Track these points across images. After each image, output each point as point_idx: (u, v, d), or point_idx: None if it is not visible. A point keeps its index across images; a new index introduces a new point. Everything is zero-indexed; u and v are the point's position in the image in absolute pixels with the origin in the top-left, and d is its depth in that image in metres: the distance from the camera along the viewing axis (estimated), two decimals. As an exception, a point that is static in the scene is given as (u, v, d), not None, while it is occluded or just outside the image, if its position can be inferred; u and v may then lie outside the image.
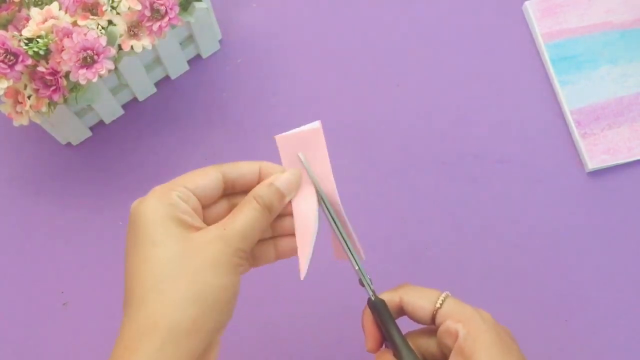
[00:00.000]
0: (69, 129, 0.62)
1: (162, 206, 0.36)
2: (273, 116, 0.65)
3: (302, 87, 0.67)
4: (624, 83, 0.65)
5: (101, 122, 0.65)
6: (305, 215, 0.40)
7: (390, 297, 0.41)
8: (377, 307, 0.41)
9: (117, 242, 0.61)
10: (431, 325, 0.41)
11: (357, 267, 0.41)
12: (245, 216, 0.37)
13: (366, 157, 0.63)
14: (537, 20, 0.67)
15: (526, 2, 0.68)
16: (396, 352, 0.40)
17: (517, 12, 0.69)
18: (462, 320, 0.39)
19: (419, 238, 0.60)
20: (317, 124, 0.40)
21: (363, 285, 0.41)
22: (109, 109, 0.64)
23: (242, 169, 0.39)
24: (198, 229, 0.37)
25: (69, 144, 0.65)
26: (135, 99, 0.66)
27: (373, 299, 0.41)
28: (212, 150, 0.64)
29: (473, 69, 0.67)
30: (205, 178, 0.38)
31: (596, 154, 0.62)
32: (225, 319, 0.36)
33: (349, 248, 0.41)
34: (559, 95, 0.65)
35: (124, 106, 0.66)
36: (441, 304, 0.40)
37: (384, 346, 0.42)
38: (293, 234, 0.41)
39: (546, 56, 0.66)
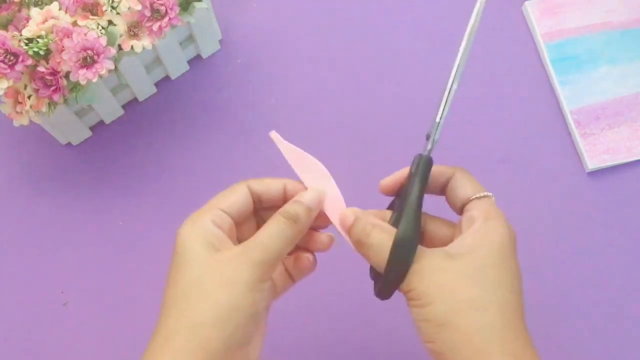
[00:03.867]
0: (69, 129, 0.62)
1: (193, 231, 0.38)
2: (273, 116, 0.65)
3: (302, 87, 0.67)
4: (624, 83, 0.65)
5: (101, 122, 0.65)
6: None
7: (445, 170, 0.41)
8: (423, 161, 0.40)
9: (117, 241, 0.61)
10: (458, 213, 0.41)
11: (438, 120, 0.41)
12: (267, 229, 0.38)
13: (366, 156, 0.63)
14: (537, 21, 0.67)
15: (526, 2, 0.68)
16: (401, 210, 0.39)
17: (517, 12, 0.69)
18: (487, 216, 0.38)
19: (419, 238, 0.60)
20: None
21: (428, 140, 0.41)
22: (109, 109, 0.64)
23: (267, 182, 0.41)
24: (226, 249, 0.38)
25: (69, 144, 0.65)
26: (135, 99, 0.66)
27: (426, 153, 0.40)
28: (212, 150, 0.64)
29: (473, 69, 0.67)
30: (234, 194, 0.40)
31: (596, 153, 0.62)
32: (246, 337, 0.36)
33: (448, 93, 0.41)
34: (559, 95, 0.65)
35: (124, 106, 0.66)
36: (482, 197, 0.39)
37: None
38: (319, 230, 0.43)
39: (546, 56, 0.66)
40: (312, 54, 0.68)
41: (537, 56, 0.67)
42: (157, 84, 0.66)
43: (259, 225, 0.42)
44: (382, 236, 0.38)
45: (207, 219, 0.38)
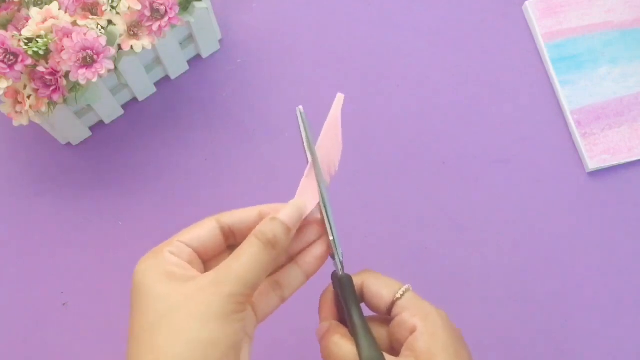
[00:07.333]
0: (69, 129, 0.62)
1: (153, 265, 0.35)
2: (273, 116, 0.65)
3: (302, 87, 0.67)
4: (624, 83, 0.64)
5: (101, 122, 0.65)
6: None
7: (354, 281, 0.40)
8: (343, 283, 0.39)
9: (117, 242, 0.61)
10: (386, 316, 0.40)
11: (331, 238, 0.40)
12: (243, 256, 0.35)
13: (366, 157, 0.63)
14: (537, 20, 0.67)
15: (526, 2, 0.68)
16: (354, 333, 0.38)
17: (517, 12, 0.69)
18: (419, 315, 0.38)
19: (419, 238, 0.60)
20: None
21: (333, 259, 0.40)
22: (109, 109, 0.64)
23: (239, 213, 0.38)
24: (192, 277, 0.35)
25: (68, 144, 0.65)
26: (135, 99, 0.66)
27: (341, 273, 0.39)
28: (212, 150, 0.64)
29: (473, 69, 0.67)
30: (199, 228, 0.37)
31: (596, 153, 0.62)
32: None
33: (327, 214, 0.40)
34: (559, 95, 0.65)
35: (124, 106, 0.66)
36: (401, 296, 0.39)
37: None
38: (313, 243, 0.40)
39: (546, 56, 0.66)
40: (312, 54, 0.68)
41: (538, 56, 0.67)
42: (156, 84, 0.66)
43: None
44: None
45: (164, 251, 0.36)
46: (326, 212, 0.40)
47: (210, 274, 0.35)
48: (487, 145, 0.63)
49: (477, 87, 0.66)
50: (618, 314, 0.57)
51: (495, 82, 0.66)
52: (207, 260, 0.38)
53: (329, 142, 0.41)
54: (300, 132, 0.41)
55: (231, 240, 0.39)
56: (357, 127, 0.64)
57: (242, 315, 0.34)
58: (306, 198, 0.40)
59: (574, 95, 0.64)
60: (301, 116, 0.41)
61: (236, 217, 0.38)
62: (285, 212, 0.37)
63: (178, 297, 0.33)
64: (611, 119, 0.63)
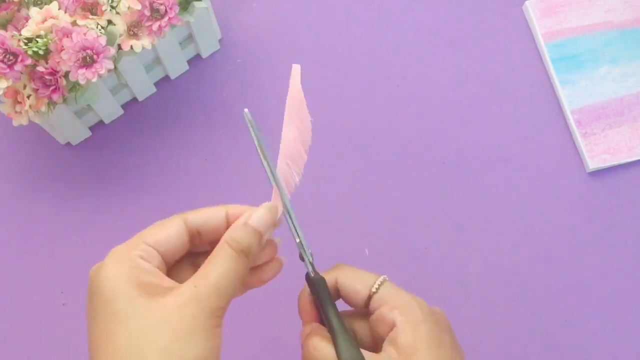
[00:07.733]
0: (69, 128, 0.62)
1: (122, 271, 0.33)
2: (273, 116, 0.65)
3: (302, 87, 0.67)
4: (624, 83, 0.64)
5: (101, 122, 0.65)
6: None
7: (326, 278, 0.39)
8: (316, 285, 0.38)
9: (116, 242, 0.61)
10: (365, 310, 0.39)
11: (298, 240, 0.39)
12: (219, 267, 0.34)
13: (366, 157, 0.63)
14: (537, 20, 0.67)
15: (526, 2, 0.68)
16: (332, 334, 0.37)
17: (517, 12, 0.69)
18: (398, 308, 0.37)
19: (419, 238, 0.60)
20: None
21: (303, 260, 0.39)
22: (109, 109, 0.64)
23: (207, 214, 0.37)
24: (166, 289, 0.33)
25: (68, 144, 0.65)
26: (134, 99, 0.66)
27: (313, 275, 0.39)
28: (211, 150, 0.64)
29: (473, 69, 0.67)
30: (167, 229, 0.36)
31: (597, 153, 0.62)
32: None
33: (290, 217, 0.38)
34: (559, 95, 0.65)
35: (124, 106, 0.66)
36: (377, 289, 0.38)
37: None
38: (264, 265, 0.39)
39: (546, 56, 0.66)
40: (312, 54, 0.68)
41: (538, 56, 0.67)
42: (156, 84, 0.66)
43: (194, 263, 0.38)
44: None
45: (133, 255, 0.34)
46: (289, 213, 0.38)
47: (188, 286, 0.33)
48: (487, 145, 0.63)
49: (477, 87, 0.66)
50: (618, 314, 0.57)
51: (495, 82, 0.66)
52: (169, 263, 0.36)
53: (295, 126, 0.39)
54: (251, 136, 0.38)
55: (196, 241, 0.37)
56: (357, 127, 0.64)
57: (220, 329, 0.33)
58: (278, 201, 0.38)
59: (574, 95, 0.64)
60: (248, 119, 0.38)
61: (203, 217, 0.37)
62: (257, 217, 0.36)
63: (160, 314, 0.32)
64: (611, 118, 0.63)
